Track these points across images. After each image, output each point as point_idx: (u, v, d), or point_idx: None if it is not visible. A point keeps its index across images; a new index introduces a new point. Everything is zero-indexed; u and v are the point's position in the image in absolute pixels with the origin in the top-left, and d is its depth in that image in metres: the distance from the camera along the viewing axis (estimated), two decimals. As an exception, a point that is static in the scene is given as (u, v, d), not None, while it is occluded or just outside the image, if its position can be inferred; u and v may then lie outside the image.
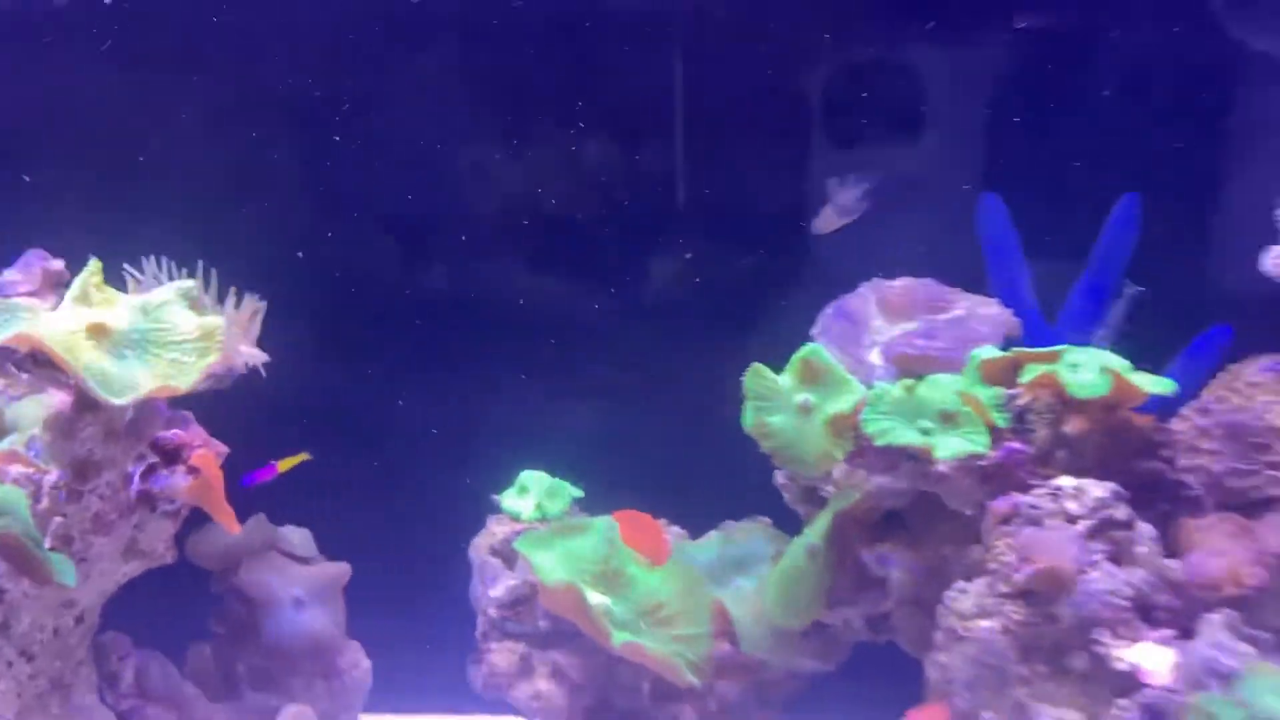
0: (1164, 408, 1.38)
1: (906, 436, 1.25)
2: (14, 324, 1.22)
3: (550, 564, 1.43)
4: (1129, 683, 1.11)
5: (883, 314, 1.55)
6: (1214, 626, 1.12)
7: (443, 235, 1.94)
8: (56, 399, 1.41)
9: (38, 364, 1.30)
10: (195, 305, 1.32)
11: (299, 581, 1.59)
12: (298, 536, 1.64)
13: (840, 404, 1.30)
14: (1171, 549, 1.24)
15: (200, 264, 1.53)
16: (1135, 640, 1.12)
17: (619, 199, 1.92)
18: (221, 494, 1.38)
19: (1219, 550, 1.19)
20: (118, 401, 1.22)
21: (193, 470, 1.38)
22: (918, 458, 1.27)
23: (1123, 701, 1.10)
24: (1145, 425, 1.30)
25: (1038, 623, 1.15)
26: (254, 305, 1.59)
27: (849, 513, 1.41)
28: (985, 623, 1.17)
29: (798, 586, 1.42)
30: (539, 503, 1.61)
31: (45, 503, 1.33)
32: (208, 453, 1.40)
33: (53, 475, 1.34)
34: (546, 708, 1.44)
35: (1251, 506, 1.26)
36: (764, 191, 1.91)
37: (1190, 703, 1.06)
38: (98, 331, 1.25)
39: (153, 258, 1.52)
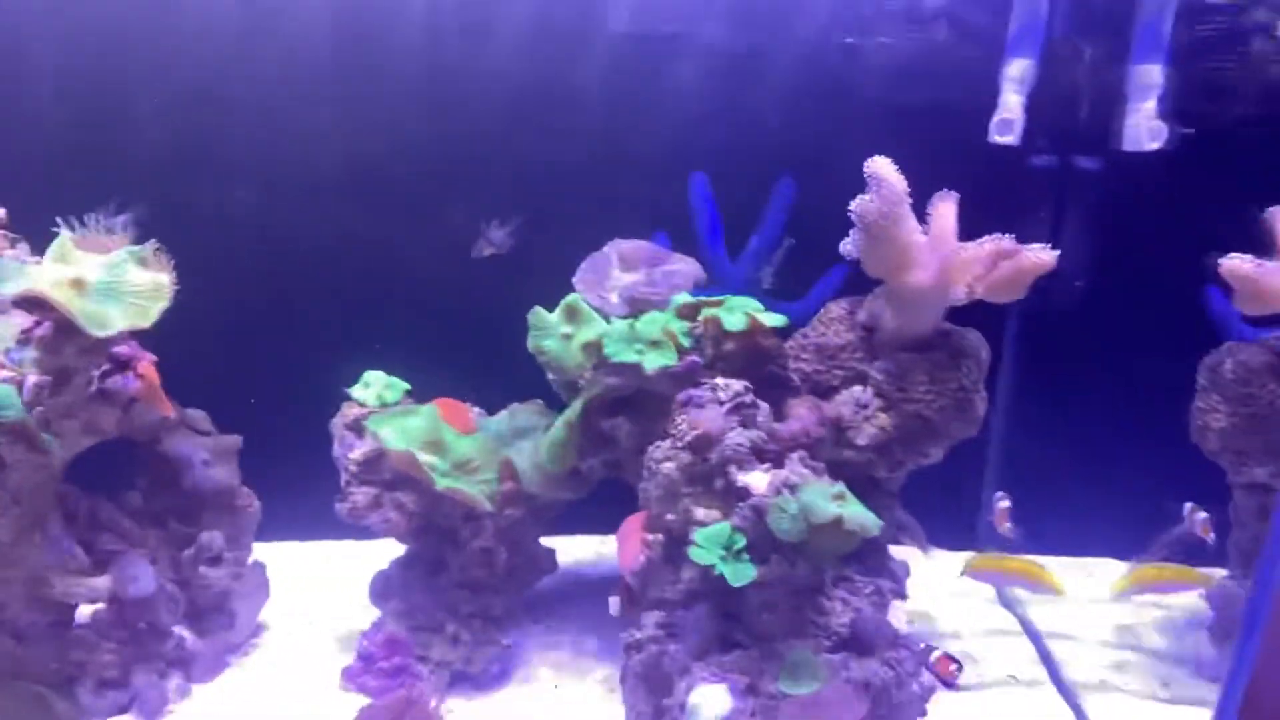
0: (794, 322, 2.20)
1: (628, 355, 2.01)
2: (21, 280, 1.75)
3: (393, 436, 2.11)
4: (745, 494, 1.94)
5: (620, 265, 2.30)
6: (792, 461, 1.97)
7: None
8: (21, 320, 1.94)
9: (28, 304, 1.83)
10: (144, 263, 1.88)
11: (205, 447, 2.21)
12: (200, 416, 2.24)
13: (589, 334, 2.05)
14: (780, 417, 2.08)
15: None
16: (750, 470, 1.96)
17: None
18: (160, 391, 1.98)
19: (800, 418, 2.04)
20: (101, 334, 1.78)
21: (139, 375, 1.97)
22: (636, 367, 2.04)
23: (741, 504, 1.93)
24: (770, 344, 2.13)
25: (697, 463, 1.96)
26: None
27: (594, 398, 2.18)
28: (667, 465, 1.97)
29: (560, 446, 2.18)
30: (379, 393, 2.29)
31: (28, 397, 1.88)
32: (148, 363, 1.99)
33: (33, 378, 1.89)
34: (393, 527, 2.15)
35: (827, 392, 2.13)
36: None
37: (773, 501, 1.90)
38: (78, 284, 1.80)
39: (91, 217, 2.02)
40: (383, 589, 2.33)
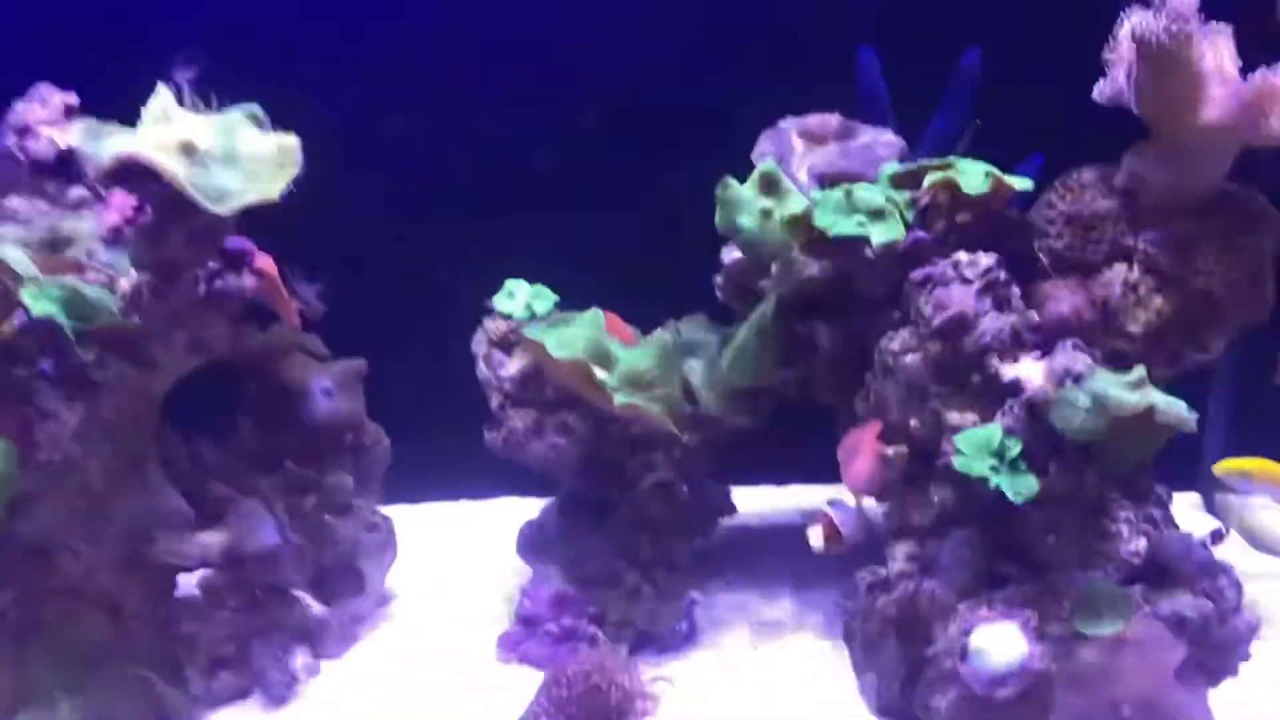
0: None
1: (849, 228, 1.64)
2: (114, 143, 1.39)
3: (558, 346, 1.74)
4: (1014, 390, 1.56)
5: (803, 141, 1.93)
6: (1066, 347, 1.59)
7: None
8: (109, 216, 1.59)
9: (120, 178, 1.46)
10: (259, 124, 1.51)
11: (325, 374, 1.84)
12: (314, 340, 1.87)
13: (795, 206, 1.67)
14: (1029, 303, 1.70)
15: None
16: (1015, 361, 1.58)
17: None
18: (284, 290, 1.61)
19: (1064, 300, 1.66)
20: (221, 210, 1.42)
21: (256, 271, 1.60)
22: (854, 244, 1.66)
23: (1010, 401, 1.55)
24: (1012, 216, 1.75)
25: (947, 354, 1.58)
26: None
27: (786, 298, 1.80)
28: (910, 358, 1.60)
29: (754, 355, 1.81)
30: (528, 303, 1.91)
31: (125, 299, 1.52)
32: (266, 259, 1.62)
33: (130, 278, 1.53)
34: (560, 456, 1.78)
35: (1085, 270, 1.74)
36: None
37: (1057, 395, 1.51)
38: (187, 149, 1.43)
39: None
40: (538, 540, 1.95)
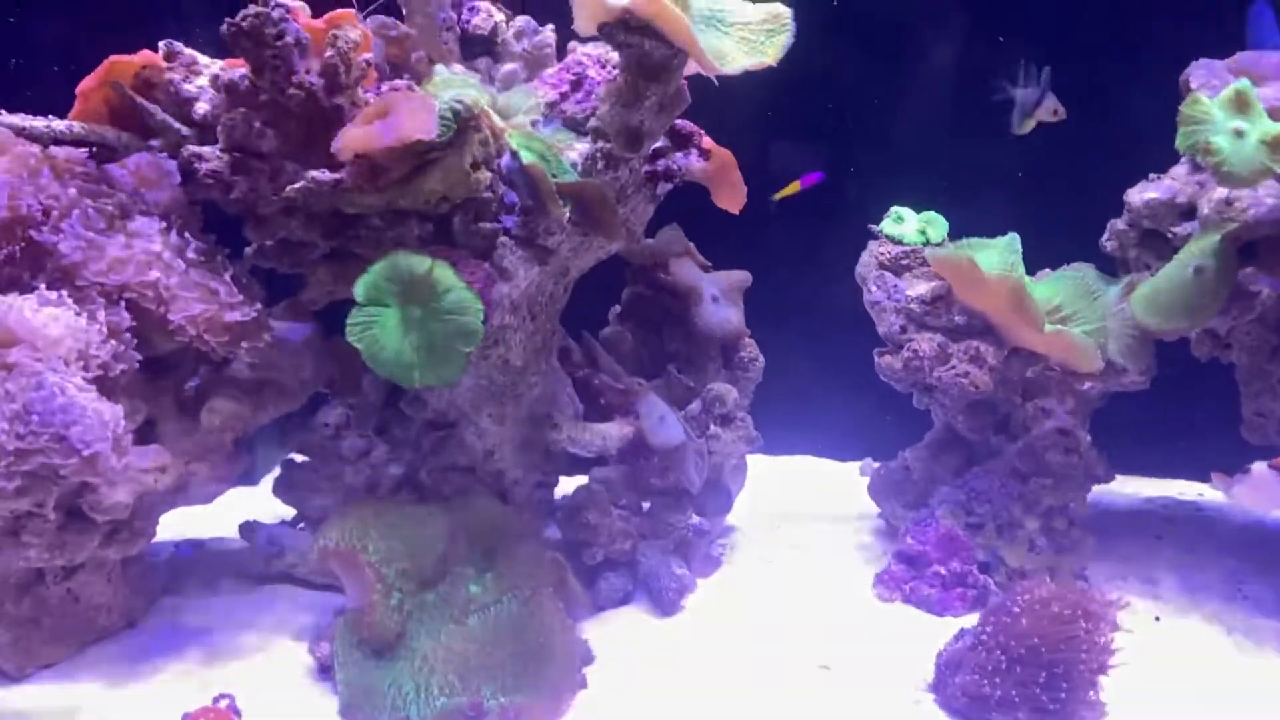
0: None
1: (1346, 151, 1.49)
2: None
3: (985, 263, 1.63)
4: None
5: (1237, 76, 1.79)
6: None
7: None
8: (545, 88, 1.54)
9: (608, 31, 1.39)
10: (743, -7, 1.43)
11: (713, 281, 1.76)
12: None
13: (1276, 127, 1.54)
14: None
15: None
16: None
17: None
18: (738, 171, 1.53)
19: None
20: (725, 70, 1.33)
21: (704, 154, 1.53)
22: (1342, 174, 1.52)
23: None
24: None
25: None
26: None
27: (1233, 235, 1.66)
28: None
29: (1182, 297, 1.66)
30: (921, 228, 1.81)
31: (581, 165, 1.46)
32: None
33: (580, 148, 1.47)
34: (973, 383, 1.65)
35: None
36: None
37: None
38: (683, 4, 1.36)
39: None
40: (901, 482, 1.84)
